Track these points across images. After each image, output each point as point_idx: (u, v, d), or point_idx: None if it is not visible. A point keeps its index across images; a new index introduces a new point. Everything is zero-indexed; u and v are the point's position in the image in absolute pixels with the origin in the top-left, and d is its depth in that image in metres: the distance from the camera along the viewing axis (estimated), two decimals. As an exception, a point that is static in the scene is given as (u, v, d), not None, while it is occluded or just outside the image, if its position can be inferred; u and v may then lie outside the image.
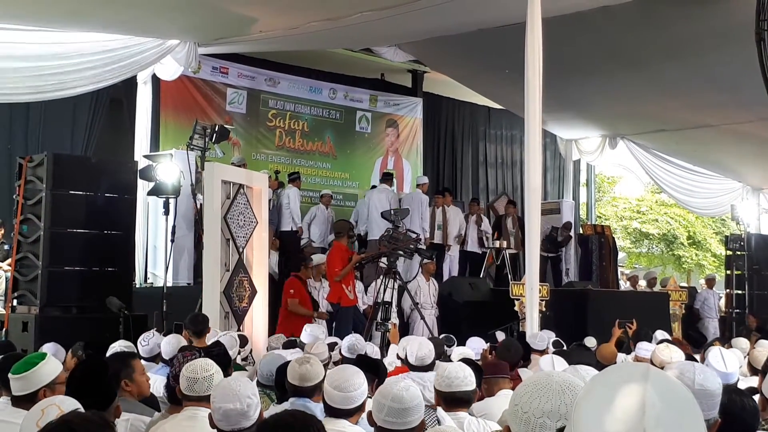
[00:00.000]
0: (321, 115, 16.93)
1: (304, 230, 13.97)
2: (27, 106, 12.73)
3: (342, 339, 7.60)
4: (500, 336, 9.69)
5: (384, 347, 9.10)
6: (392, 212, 10.39)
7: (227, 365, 5.25)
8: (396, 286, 10.30)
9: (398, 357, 7.01)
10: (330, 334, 9.95)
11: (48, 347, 6.43)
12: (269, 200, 12.59)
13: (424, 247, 11.16)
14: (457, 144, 18.90)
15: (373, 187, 15.34)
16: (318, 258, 11.17)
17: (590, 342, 9.05)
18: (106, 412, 3.70)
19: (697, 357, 6.25)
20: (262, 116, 16.12)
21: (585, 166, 20.34)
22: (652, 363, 5.63)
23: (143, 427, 4.48)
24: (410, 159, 18.04)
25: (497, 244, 14.24)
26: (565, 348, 8.17)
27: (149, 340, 6.96)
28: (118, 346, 6.51)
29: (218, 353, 5.40)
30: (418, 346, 6.26)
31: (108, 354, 6.13)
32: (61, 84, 11.08)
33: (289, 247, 13.29)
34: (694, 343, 8.75)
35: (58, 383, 4.24)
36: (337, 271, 10.51)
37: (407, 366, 6.30)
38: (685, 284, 23.21)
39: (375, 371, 5.26)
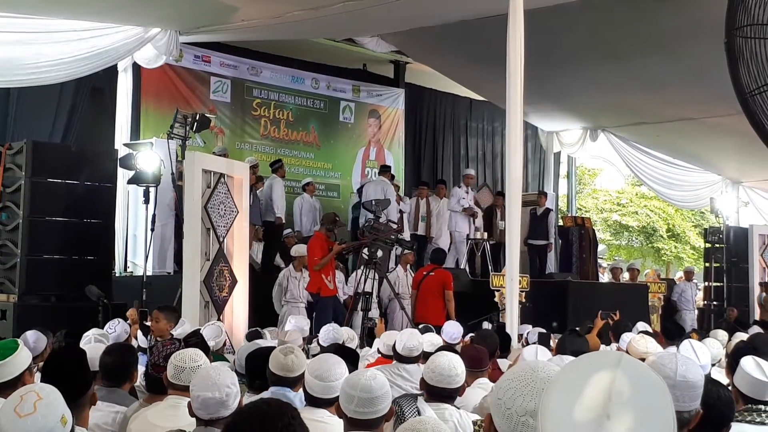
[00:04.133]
0: (305, 105, 16.88)
1: (296, 222, 13.93)
2: (6, 93, 12.66)
3: (320, 329, 7.58)
4: (485, 325, 9.80)
5: (363, 338, 9.09)
6: (373, 203, 10.37)
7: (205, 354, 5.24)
8: (376, 277, 10.29)
9: (378, 351, 7.01)
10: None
11: (29, 334, 6.40)
12: (254, 192, 12.69)
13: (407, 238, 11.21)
14: (439, 135, 18.88)
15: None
16: (298, 249, 11.14)
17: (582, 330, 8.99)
18: (83, 399, 3.68)
19: (672, 349, 6.27)
20: (246, 105, 16.07)
21: (566, 159, 20.32)
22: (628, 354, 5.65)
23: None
24: (392, 150, 17.99)
25: (478, 235, 14.24)
26: (551, 339, 8.15)
27: (115, 327, 7.07)
28: (91, 334, 6.52)
29: (195, 343, 5.39)
30: (408, 336, 6.26)
31: (83, 342, 6.22)
32: (38, 71, 11.01)
33: (270, 238, 13.26)
34: (671, 335, 8.67)
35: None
36: (317, 260, 10.49)
37: (393, 357, 6.29)
38: (664, 276, 23.37)
39: (353, 361, 5.26)
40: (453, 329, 7.60)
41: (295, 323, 8.18)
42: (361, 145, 17.75)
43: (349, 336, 7.32)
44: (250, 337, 7.28)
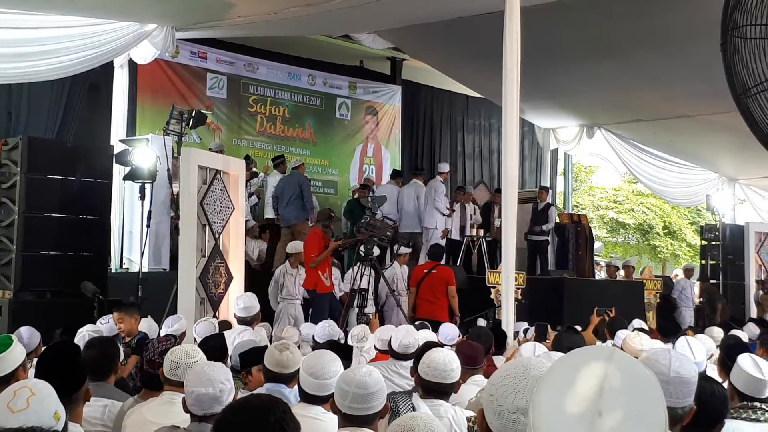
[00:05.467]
0: (302, 102, 16.81)
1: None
2: (3, 90, 12.62)
3: (317, 325, 7.59)
4: (481, 324, 9.72)
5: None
6: (369, 199, 10.35)
7: (223, 358, 5.28)
8: (372, 273, 10.29)
9: (375, 347, 7.01)
10: (306, 320, 10.18)
11: (23, 331, 6.39)
12: (254, 187, 12.83)
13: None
14: (436, 132, 18.81)
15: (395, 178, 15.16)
16: (294, 245, 11.11)
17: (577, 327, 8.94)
18: (77, 395, 3.66)
19: (669, 346, 6.27)
20: (243, 102, 16.01)
21: (563, 156, 20.32)
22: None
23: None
24: (389, 147, 17.95)
25: (474, 232, 14.18)
26: (548, 332, 8.19)
27: (108, 319, 7.24)
28: (86, 330, 6.52)
29: (215, 346, 5.37)
30: (404, 333, 6.26)
31: (77, 338, 6.20)
32: (36, 68, 10.99)
33: (277, 235, 13.17)
34: (666, 332, 8.65)
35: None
36: (313, 257, 10.46)
37: (389, 353, 6.29)
38: (659, 274, 23.35)
39: (347, 356, 5.23)
40: (449, 331, 7.59)
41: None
42: (358, 141, 17.68)
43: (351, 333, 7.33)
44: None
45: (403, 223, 13.66)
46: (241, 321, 7.40)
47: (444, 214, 13.70)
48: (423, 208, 13.83)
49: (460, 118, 19.20)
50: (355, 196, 14.50)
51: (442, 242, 13.54)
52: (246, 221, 11.35)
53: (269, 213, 13.26)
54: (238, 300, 7.68)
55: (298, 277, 10.89)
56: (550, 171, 19.24)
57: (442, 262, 11.73)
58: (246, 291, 9.43)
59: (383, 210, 11.11)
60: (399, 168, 16.69)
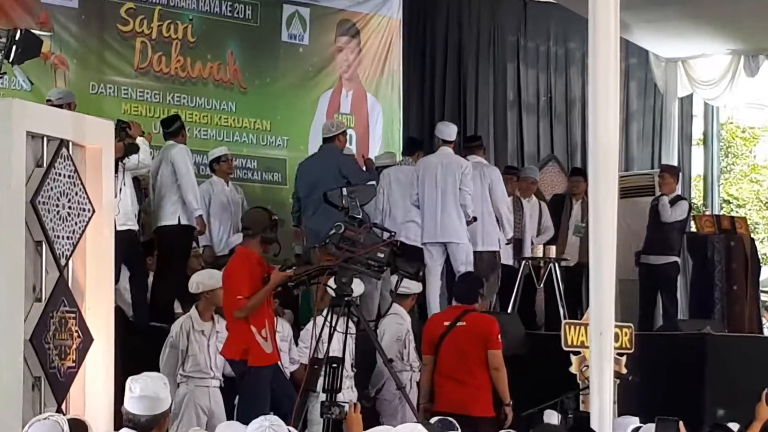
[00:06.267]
0: (217, 13, 12.39)
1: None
2: None
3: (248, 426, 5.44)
4: (550, 418, 7.51)
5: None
6: (342, 192, 7.36)
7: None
8: (352, 329, 7.47)
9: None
10: (230, 417, 7.76)
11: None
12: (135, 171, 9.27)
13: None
14: (468, 68, 14.36)
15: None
16: (203, 279, 8.11)
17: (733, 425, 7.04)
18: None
19: None
20: (109, 16, 11.67)
21: (702, 109, 15.77)
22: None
23: None
24: (381, 94, 13.57)
25: (539, 250, 10.74)
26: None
27: None
28: None
29: None
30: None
31: None
32: None
33: (170, 256, 9.80)
34: None
35: None
36: (241, 300, 7.54)
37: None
38: None
39: None
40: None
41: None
42: (325, 85, 12.99)
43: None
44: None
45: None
46: (136, 426, 5.51)
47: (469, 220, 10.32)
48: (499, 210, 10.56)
49: (512, 38, 14.60)
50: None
51: (491, 269, 10.34)
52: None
53: (167, 217, 9.71)
54: (132, 384, 5.60)
55: (213, 338, 8.14)
56: (679, 139, 15.11)
57: (479, 305, 8.64)
58: (122, 361, 7.21)
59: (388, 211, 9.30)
60: (410, 134, 12.44)
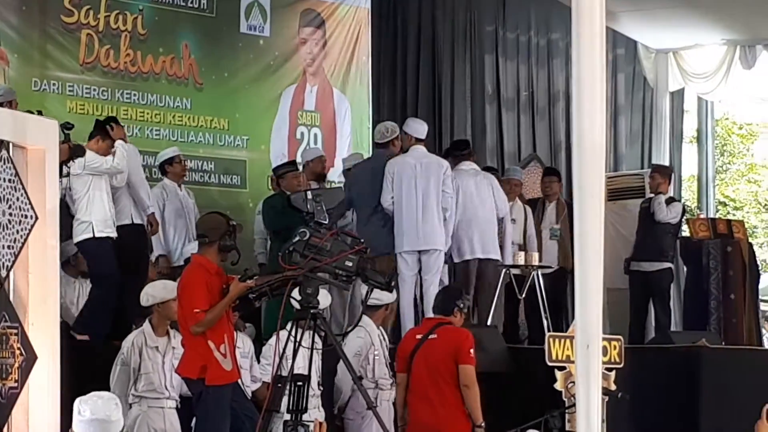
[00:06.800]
0: (170, 4, 11.89)
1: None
2: None
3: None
4: None
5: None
6: (307, 196, 6.97)
7: None
8: (318, 344, 7.26)
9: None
10: None
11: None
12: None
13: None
14: (443, 60, 13.80)
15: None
16: (156, 290, 7.73)
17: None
18: None
19: None
20: (52, 6, 11.14)
21: (695, 104, 15.37)
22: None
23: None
24: (348, 89, 13.00)
25: (521, 257, 10.15)
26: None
27: None
28: None
29: None
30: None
31: None
32: None
33: (127, 260, 9.17)
34: None
35: None
36: (198, 314, 7.14)
37: None
38: None
39: None
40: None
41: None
42: (287, 80, 12.43)
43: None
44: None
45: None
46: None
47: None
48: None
49: (488, 28, 14.08)
50: (284, 189, 10.13)
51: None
52: (65, 243, 8.29)
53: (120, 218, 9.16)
54: (80, 406, 5.54)
55: (168, 354, 7.81)
56: (671, 136, 14.87)
57: (457, 318, 7.95)
58: (66, 382, 6.67)
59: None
60: (372, 135, 11.68)
